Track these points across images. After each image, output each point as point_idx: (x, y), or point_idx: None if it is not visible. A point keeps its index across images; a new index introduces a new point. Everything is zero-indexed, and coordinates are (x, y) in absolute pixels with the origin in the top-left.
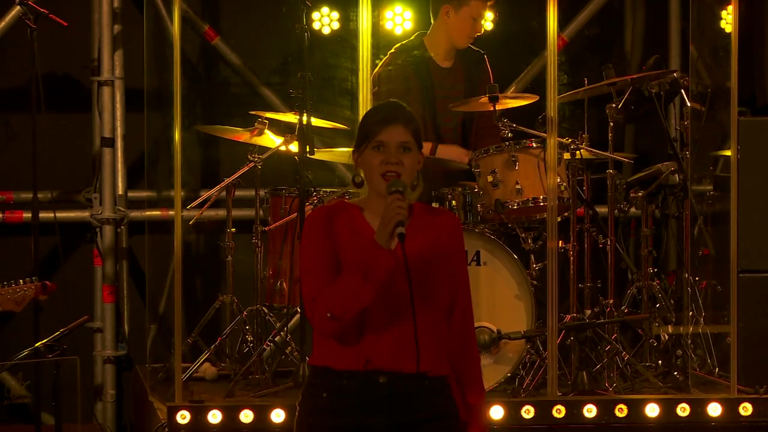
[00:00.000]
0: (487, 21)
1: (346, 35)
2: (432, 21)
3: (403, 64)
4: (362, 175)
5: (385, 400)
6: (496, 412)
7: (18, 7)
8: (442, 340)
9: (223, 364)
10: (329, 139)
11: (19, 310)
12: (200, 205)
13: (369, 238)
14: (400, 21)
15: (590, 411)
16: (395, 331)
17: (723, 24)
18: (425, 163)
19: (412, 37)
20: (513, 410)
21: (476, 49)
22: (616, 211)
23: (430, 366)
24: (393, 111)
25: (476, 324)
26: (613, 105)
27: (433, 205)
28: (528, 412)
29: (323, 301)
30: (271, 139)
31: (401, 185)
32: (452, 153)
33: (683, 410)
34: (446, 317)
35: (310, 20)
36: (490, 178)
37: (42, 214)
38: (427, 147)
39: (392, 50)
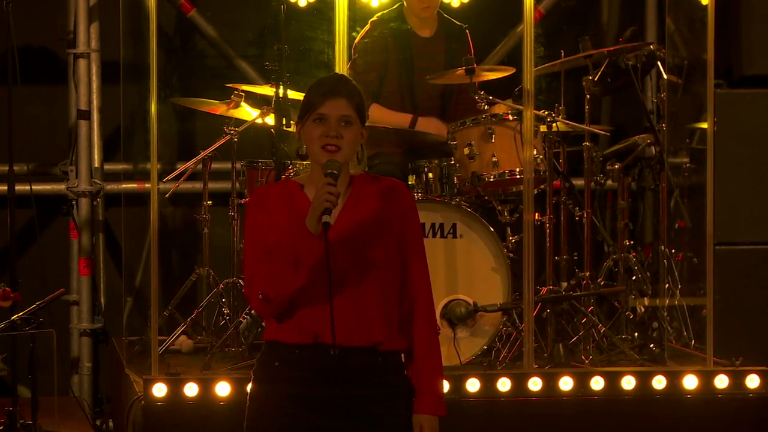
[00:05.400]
0: None
1: (323, 7)
2: None
3: (380, 36)
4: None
5: (336, 372)
6: (472, 385)
7: None
8: (394, 313)
9: (199, 337)
10: None
11: None
12: (176, 178)
13: (304, 219)
14: None
15: (566, 383)
16: (338, 306)
17: None
18: (403, 135)
19: (394, 7)
20: (489, 383)
21: (458, 23)
22: (592, 183)
23: (381, 339)
24: (336, 84)
25: (452, 296)
26: (590, 77)
27: (409, 177)
28: (504, 384)
29: (256, 282)
30: (248, 112)
31: (336, 167)
32: (431, 126)
33: (659, 382)
34: (398, 288)
35: None
36: (466, 151)
37: (18, 187)
38: (406, 118)
39: (372, 20)
